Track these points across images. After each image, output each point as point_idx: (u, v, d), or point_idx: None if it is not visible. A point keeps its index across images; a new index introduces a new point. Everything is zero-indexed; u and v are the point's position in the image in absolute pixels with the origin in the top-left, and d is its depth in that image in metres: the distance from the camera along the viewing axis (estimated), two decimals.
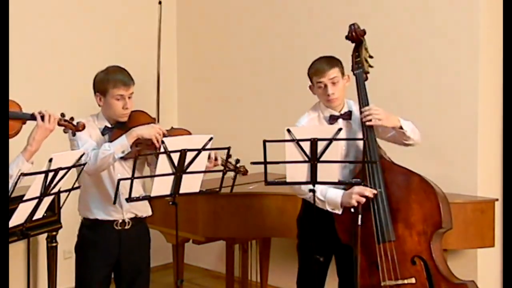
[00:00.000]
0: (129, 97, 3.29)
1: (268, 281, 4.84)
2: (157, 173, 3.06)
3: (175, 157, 3.04)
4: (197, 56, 5.80)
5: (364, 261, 3.29)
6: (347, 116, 3.41)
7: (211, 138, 3.12)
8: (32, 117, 3.04)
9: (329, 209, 3.31)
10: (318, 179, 3.11)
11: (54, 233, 4.58)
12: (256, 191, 4.27)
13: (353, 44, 3.47)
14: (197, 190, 3.21)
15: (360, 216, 3.16)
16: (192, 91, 5.86)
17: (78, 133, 3.22)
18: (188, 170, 3.10)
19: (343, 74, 3.38)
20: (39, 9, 5.01)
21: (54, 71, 5.08)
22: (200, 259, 5.65)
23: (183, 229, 3.78)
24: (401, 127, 3.33)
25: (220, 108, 5.62)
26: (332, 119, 3.39)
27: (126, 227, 3.38)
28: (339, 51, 3.47)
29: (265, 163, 3.12)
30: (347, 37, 3.45)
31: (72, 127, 3.15)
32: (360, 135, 3.36)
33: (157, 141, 3.17)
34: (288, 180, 3.18)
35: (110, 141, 3.25)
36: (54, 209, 4.32)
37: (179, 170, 3.08)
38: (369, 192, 3.21)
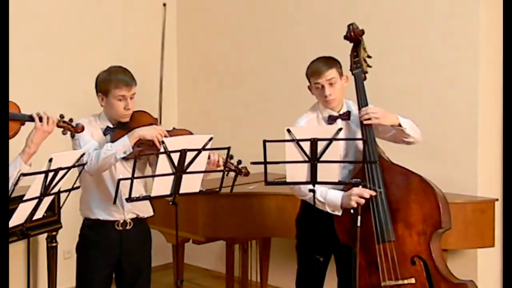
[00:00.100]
0: (131, 98, 3.29)
1: (268, 281, 4.84)
2: (157, 173, 3.06)
3: (175, 157, 3.04)
4: (197, 56, 5.80)
5: (363, 261, 3.29)
6: (346, 116, 3.41)
7: (211, 138, 3.11)
8: (31, 118, 3.04)
9: (329, 210, 3.31)
10: (318, 179, 3.11)
11: (54, 233, 4.58)
12: (256, 191, 4.27)
13: (352, 44, 3.47)
14: (197, 190, 3.21)
15: (359, 217, 3.15)
16: (192, 91, 5.86)
17: (80, 133, 3.22)
18: (188, 170, 3.10)
19: (341, 74, 3.38)
20: (39, 9, 5.00)
21: (55, 71, 5.08)
22: (200, 259, 5.65)
23: (183, 229, 3.78)
24: (399, 125, 3.33)
25: (220, 108, 5.62)
26: (331, 120, 3.39)
27: (128, 227, 3.38)
28: (340, 51, 3.47)
29: (265, 163, 3.12)
30: (345, 37, 3.45)
31: (71, 128, 3.14)
32: (359, 135, 3.36)
33: (159, 142, 3.17)
34: (288, 180, 3.18)
35: (112, 141, 3.25)
36: (54, 209, 4.32)
37: (179, 170, 3.08)
38: (368, 193, 3.21)
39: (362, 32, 3.43)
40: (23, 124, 3.04)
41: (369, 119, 3.29)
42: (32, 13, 4.95)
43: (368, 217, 3.25)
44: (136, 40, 5.52)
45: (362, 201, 3.20)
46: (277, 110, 5.10)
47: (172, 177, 3.08)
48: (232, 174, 3.39)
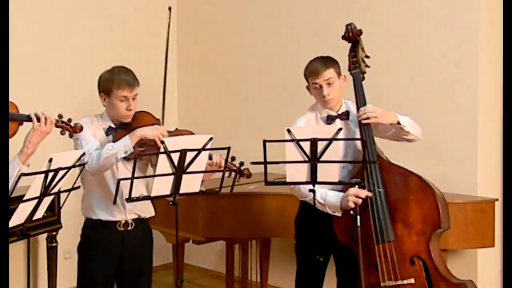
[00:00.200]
0: (133, 99, 3.29)
1: (268, 281, 4.84)
2: (157, 173, 3.06)
3: (175, 157, 3.04)
4: (197, 56, 5.80)
5: (363, 261, 3.29)
6: (345, 116, 3.41)
7: (211, 138, 3.12)
8: (28, 118, 3.03)
9: (329, 211, 3.32)
10: (318, 179, 3.11)
11: (54, 233, 4.58)
12: (256, 191, 4.27)
13: (350, 44, 3.47)
14: (197, 190, 3.21)
15: (359, 217, 3.15)
16: (192, 91, 5.86)
17: (82, 133, 3.22)
18: (188, 170, 3.10)
19: (339, 74, 3.38)
20: (40, 9, 5.00)
21: (56, 72, 5.07)
22: (200, 259, 5.65)
23: (183, 229, 3.78)
24: (398, 123, 3.33)
25: (220, 108, 5.62)
26: (330, 119, 3.39)
27: (129, 228, 3.37)
28: (340, 51, 3.47)
29: (265, 163, 3.12)
30: (343, 37, 3.45)
31: (69, 128, 3.14)
32: (358, 135, 3.36)
33: (160, 142, 3.17)
34: (288, 180, 3.18)
35: (114, 141, 3.25)
36: (54, 209, 4.32)
37: (179, 170, 3.08)
38: (364, 193, 3.20)
39: (360, 32, 3.43)
40: (21, 124, 3.03)
41: (368, 118, 3.29)
42: (33, 12, 4.95)
43: (367, 218, 3.26)
44: (139, 41, 5.52)
45: (359, 201, 3.19)
46: (277, 110, 5.10)
47: (172, 177, 3.08)
48: (232, 174, 3.39)
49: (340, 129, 3.08)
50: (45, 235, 4.59)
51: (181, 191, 3.13)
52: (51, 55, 5.05)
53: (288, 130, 3.07)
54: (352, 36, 3.43)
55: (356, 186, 3.19)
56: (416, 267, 3.27)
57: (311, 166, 3.09)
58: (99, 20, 5.34)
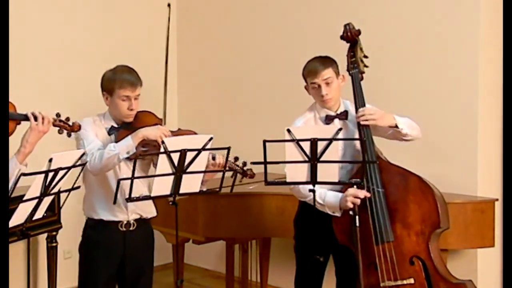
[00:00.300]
0: (135, 98, 3.29)
1: (268, 281, 4.84)
2: (157, 173, 3.06)
3: (175, 157, 3.04)
4: (197, 56, 5.80)
5: (362, 262, 3.28)
6: (343, 116, 3.40)
7: (211, 138, 3.11)
8: (26, 118, 3.02)
9: (329, 212, 3.32)
10: (318, 179, 3.11)
11: (54, 233, 4.58)
12: (256, 191, 4.27)
13: (348, 44, 3.47)
14: (197, 190, 3.21)
15: (357, 217, 3.15)
16: (192, 91, 5.86)
17: (84, 133, 3.21)
18: (188, 170, 3.10)
19: (337, 74, 3.38)
20: (38, 6, 5.00)
21: (55, 71, 5.07)
22: (200, 259, 5.65)
23: (183, 229, 3.78)
24: (396, 126, 3.33)
25: (220, 108, 5.62)
26: (328, 119, 3.39)
27: (131, 228, 3.38)
28: (340, 51, 3.47)
29: (265, 163, 3.12)
30: (342, 37, 3.44)
31: (67, 127, 3.13)
32: (357, 135, 3.36)
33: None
34: (288, 180, 3.18)
35: (116, 141, 3.25)
36: (54, 209, 4.32)
37: (179, 170, 3.07)
38: (362, 193, 3.20)
39: (359, 32, 3.43)
40: (18, 123, 3.03)
41: (366, 120, 3.29)
42: (33, 12, 4.96)
43: (367, 218, 3.26)
44: (138, 39, 5.52)
45: (358, 201, 3.19)
46: (277, 110, 5.10)
47: (172, 177, 3.08)
48: (233, 174, 3.39)
49: (340, 129, 3.08)
50: (45, 235, 4.59)
51: (181, 191, 3.13)
52: (49, 53, 5.04)
53: (288, 130, 3.07)
54: (351, 36, 3.43)
55: (355, 186, 3.19)
56: (416, 267, 3.27)
57: (311, 166, 3.09)
58: (97, 17, 5.33)
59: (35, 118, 3.01)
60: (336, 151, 3.14)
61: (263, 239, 4.73)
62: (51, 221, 4.41)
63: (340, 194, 3.27)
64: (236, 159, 3.39)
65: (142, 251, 3.45)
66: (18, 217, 2.83)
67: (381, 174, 3.30)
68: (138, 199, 3.14)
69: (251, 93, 5.37)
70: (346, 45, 3.47)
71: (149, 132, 3.21)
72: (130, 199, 3.07)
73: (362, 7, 4.61)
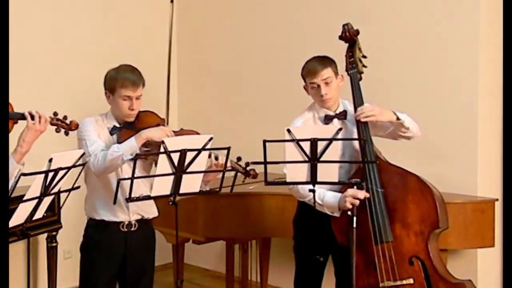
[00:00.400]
0: (136, 98, 3.28)
1: (268, 281, 4.84)
2: (157, 173, 3.06)
3: (175, 157, 3.04)
4: (197, 56, 5.80)
5: (362, 262, 3.29)
6: (342, 116, 3.41)
7: (211, 138, 3.11)
8: (23, 117, 3.02)
9: (328, 212, 3.32)
10: (318, 179, 3.11)
11: (54, 233, 4.58)
12: (256, 191, 4.27)
13: (347, 44, 3.47)
14: (197, 190, 3.21)
15: (355, 218, 3.15)
16: (192, 91, 5.86)
17: (86, 133, 3.21)
18: (188, 170, 3.10)
19: (336, 73, 3.38)
20: (39, 4, 5.00)
21: (55, 70, 5.06)
22: (200, 259, 5.65)
23: (183, 229, 3.77)
24: (398, 118, 3.32)
25: (220, 108, 5.62)
26: (327, 119, 3.39)
27: (132, 229, 3.37)
28: (341, 51, 3.47)
29: (265, 163, 3.12)
30: (340, 37, 3.44)
31: (64, 126, 3.12)
32: (356, 135, 3.36)
33: None
34: (288, 180, 3.18)
35: (119, 141, 3.24)
36: (54, 209, 4.32)
37: (179, 170, 3.07)
38: (362, 194, 3.20)
39: (357, 32, 3.43)
40: (16, 122, 3.03)
41: (367, 116, 3.29)
42: (32, 12, 4.95)
43: (366, 218, 3.26)
44: (139, 37, 5.51)
45: (357, 202, 3.18)
46: (277, 110, 5.10)
47: (172, 177, 3.08)
48: (232, 173, 3.39)
49: (340, 129, 3.08)
50: (45, 235, 4.59)
51: (181, 191, 3.13)
52: (49, 52, 5.04)
53: (288, 130, 3.07)
54: (349, 36, 3.43)
55: (355, 187, 3.19)
56: (415, 267, 3.27)
57: (311, 166, 3.09)
58: (97, 17, 5.33)
59: (32, 117, 3.01)
60: (336, 151, 3.14)
61: (263, 239, 4.73)
62: (51, 221, 4.41)
63: (339, 195, 3.27)
64: (239, 159, 3.39)
65: (143, 251, 3.44)
66: (18, 217, 2.83)
67: (380, 174, 3.30)
68: (138, 199, 3.14)
69: (251, 93, 5.38)
70: (346, 45, 3.47)
71: (152, 134, 3.21)
72: (130, 199, 3.07)
73: (362, 7, 4.61)
